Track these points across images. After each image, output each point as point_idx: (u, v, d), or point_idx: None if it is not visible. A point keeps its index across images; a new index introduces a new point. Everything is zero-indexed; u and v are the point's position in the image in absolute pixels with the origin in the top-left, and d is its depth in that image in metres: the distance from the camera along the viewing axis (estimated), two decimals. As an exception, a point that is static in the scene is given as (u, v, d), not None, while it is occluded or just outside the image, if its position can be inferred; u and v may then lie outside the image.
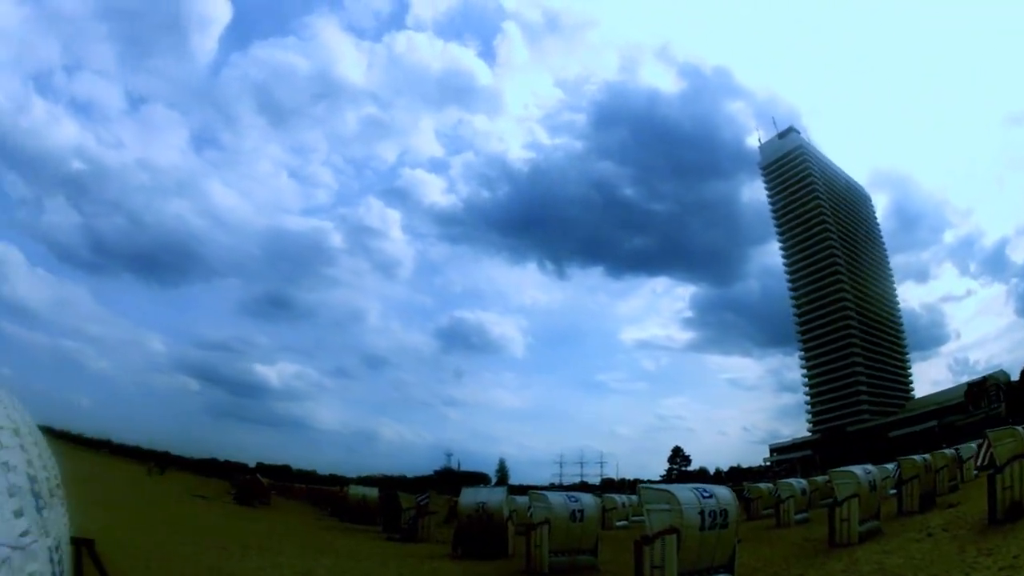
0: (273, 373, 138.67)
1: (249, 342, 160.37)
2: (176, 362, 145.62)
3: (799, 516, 27.00)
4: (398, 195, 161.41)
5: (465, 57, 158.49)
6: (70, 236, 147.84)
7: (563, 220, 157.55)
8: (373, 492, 37.90)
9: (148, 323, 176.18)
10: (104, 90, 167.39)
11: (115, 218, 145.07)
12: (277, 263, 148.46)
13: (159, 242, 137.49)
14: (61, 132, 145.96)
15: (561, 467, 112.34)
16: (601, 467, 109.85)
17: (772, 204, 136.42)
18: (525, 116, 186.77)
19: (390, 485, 61.02)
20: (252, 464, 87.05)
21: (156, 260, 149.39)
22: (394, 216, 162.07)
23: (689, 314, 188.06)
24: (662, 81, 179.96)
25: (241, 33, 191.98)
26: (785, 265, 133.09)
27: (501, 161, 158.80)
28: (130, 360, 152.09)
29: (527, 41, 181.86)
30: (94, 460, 61.13)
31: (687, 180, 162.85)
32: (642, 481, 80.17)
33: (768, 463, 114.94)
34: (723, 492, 11.57)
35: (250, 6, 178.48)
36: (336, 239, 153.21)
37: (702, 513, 10.46)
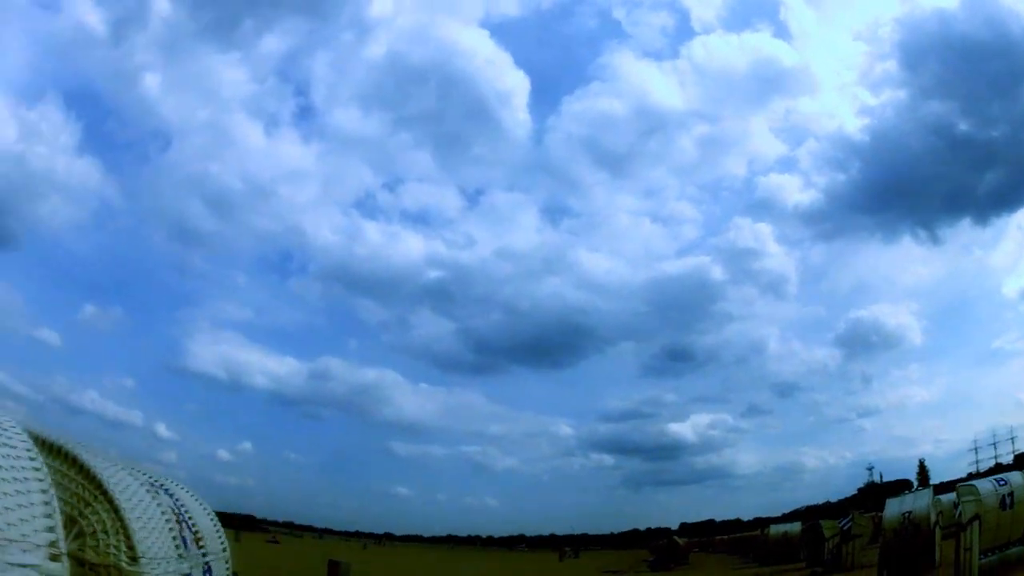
0: (687, 428, 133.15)
1: (657, 402, 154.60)
2: (585, 441, 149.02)
3: None
4: (761, 207, 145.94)
5: (764, 42, 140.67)
6: (447, 344, 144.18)
7: (917, 179, 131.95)
8: (795, 527, 36.14)
9: (550, 409, 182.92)
10: (435, 194, 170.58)
11: (490, 315, 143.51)
12: (666, 314, 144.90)
13: (542, 326, 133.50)
14: (405, 247, 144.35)
15: (976, 453, 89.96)
16: (1012, 443, 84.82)
17: None
18: (842, 83, 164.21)
19: (814, 515, 57.27)
20: (675, 526, 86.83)
21: (543, 344, 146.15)
22: (765, 230, 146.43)
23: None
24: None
25: (546, 95, 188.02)
26: None
27: (842, 138, 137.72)
28: (537, 450, 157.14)
29: (808, 3, 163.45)
30: (506, 557, 67.60)
31: (1010, 94, 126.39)
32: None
33: None
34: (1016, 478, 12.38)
35: (543, 66, 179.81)
36: (717, 272, 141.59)
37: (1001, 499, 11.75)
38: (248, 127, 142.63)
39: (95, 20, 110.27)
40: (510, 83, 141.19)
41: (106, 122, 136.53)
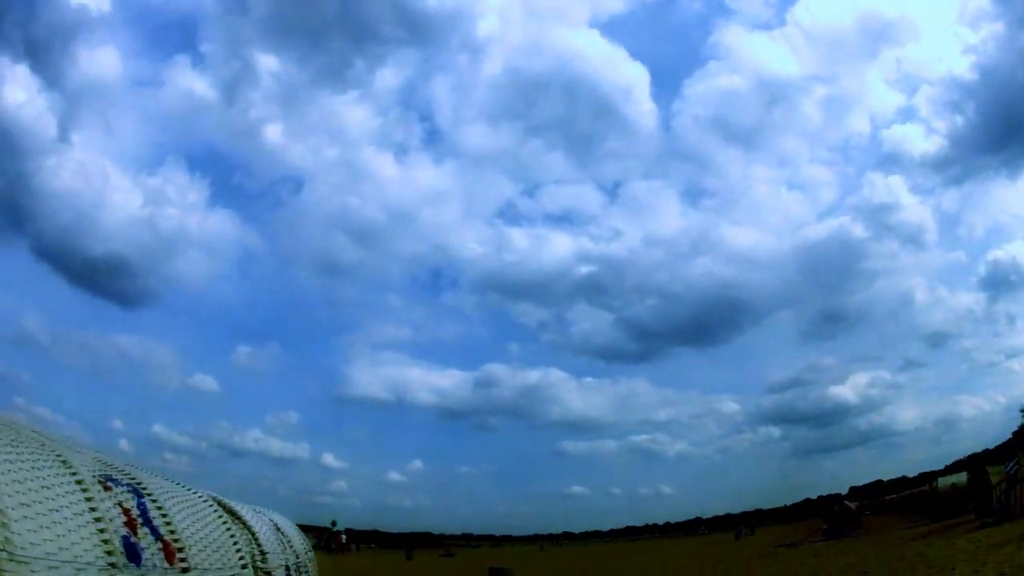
0: (847, 390, 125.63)
1: (816, 368, 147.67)
2: (752, 416, 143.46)
3: None
4: (890, 160, 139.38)
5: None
6: (606, 335, 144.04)
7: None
8: (962, 477, 31.16)
9: (714, 387, 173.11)
10: (573, 195, 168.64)
11: (645, 301, 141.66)
12: (815, 278, 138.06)
13: (697, 305, 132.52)
14: (553, 247, 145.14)
15: None
16: None
17: None
18: (942, 24, 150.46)
19: (978, 463, 47.95)
20: (845, 491, 79.52)
21: (700, 324, 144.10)
22: (897, 182, 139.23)
23: None
24: None
25: (666, 82, 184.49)
26: None
27: (952, 79, 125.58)
28: (705, 431, 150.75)
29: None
30: (683, 544, 64.22)
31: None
32: None
33: None
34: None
35: (658, 55, 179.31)
36: (858, 230, 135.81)
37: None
38: (379, 159, 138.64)
39: (202, 87, 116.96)
40: (629, 76, 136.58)
41: (233, 176, 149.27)
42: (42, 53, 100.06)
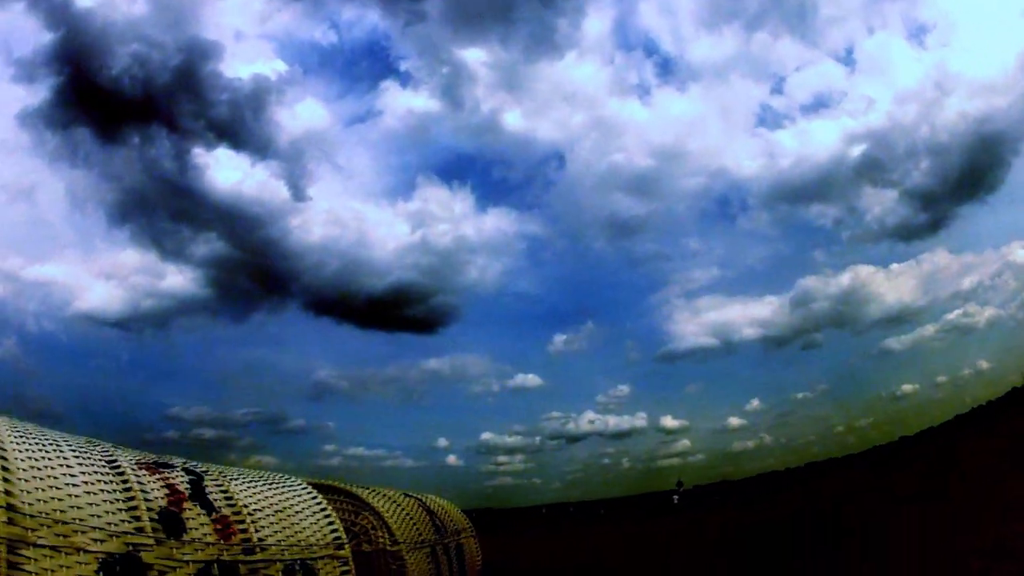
0: None
1: None
2: None
3: None
4: None
5: None
6: (898, 213, 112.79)
7: None
8: None
9: (1003, 238, 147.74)
10: (816, 76, 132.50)
11: (921, 164, 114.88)
12: None
13: (966, 152, 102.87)
14: (819, 137, 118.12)
15: None
16: None
17: None
18: None
19: None
20: None
21: (975, 171, 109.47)
22: None
23: None
24: None
25: None
26: None
27: None
28: (1008, 289, 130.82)
29: None
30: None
31: None
32: None
33: None
34: None
35: None
36: None
37: None
38: (626, 106, 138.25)
39: (422, 101, 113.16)
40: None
41: (491, 173, 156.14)
42: (236, 130, 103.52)
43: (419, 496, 9.32)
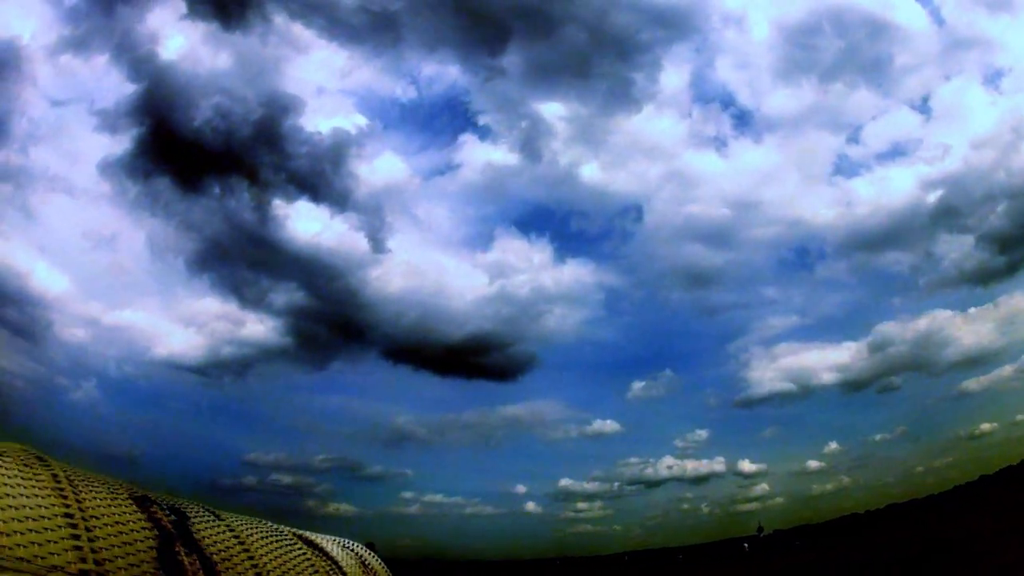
0: None
1: None
2: None
3: None
4: None
5: None
6: (974, 257, 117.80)
7: None
8: None
9: None
10: (892, 124, 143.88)
11: (998, 207, 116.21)
12: None
13: None
14: (896, 185, 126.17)
15: None
16: None
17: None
18: None
19: None
20: None
21: None
22: None
23: None
24: None
25: None
26: None
27: None
28: None
29: None
30: None
31: None
32: None
33: None
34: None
35: None
36: None
37: None
38: (702, 158, 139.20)
39: (501, 154, 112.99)
40: (904, 14, 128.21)
41: (569, 225, 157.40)
42: (315, 182, 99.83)
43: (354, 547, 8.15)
